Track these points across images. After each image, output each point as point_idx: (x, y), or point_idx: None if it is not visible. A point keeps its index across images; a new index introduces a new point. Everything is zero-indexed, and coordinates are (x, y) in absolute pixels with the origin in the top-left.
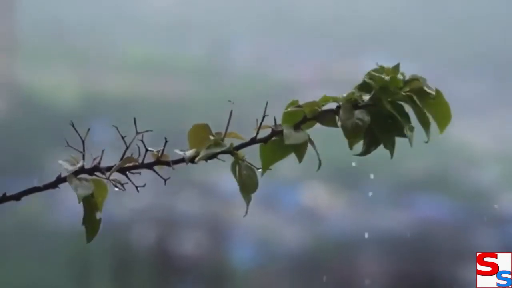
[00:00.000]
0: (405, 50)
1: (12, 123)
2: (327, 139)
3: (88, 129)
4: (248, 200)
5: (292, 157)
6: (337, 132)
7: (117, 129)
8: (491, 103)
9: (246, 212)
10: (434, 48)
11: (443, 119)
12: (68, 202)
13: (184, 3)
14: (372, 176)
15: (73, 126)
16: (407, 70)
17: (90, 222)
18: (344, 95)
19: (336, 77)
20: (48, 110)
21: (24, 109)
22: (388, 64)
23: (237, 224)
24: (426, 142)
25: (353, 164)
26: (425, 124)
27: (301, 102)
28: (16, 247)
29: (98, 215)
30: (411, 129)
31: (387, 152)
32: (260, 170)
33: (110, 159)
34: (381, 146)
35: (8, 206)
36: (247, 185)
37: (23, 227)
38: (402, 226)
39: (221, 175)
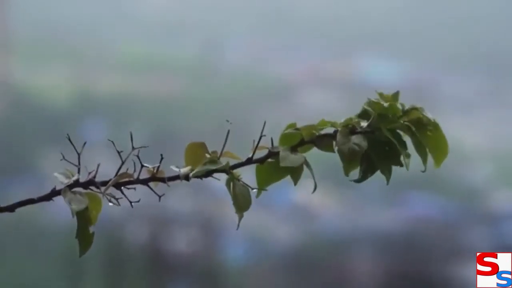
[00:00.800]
0: (400, 49)
1: (6, 122)
2: None
3: (84, 143)
4: (240, 216)
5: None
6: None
7: (113, 144)
8: (484, 102)
9: (238, 226)
10: (429, 48)
11: (440, 153)
12: (62, 201)
13: (179, 3)
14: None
15: (69, 139)
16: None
17: (84, 236)
18: (342, 120)
19: (332, 76)
20: (42, 109)
21: (18, 108)
22: (384, 63)
23: (230, 222)
24: (423, 171)
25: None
26: (422, 154)
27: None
28: (11, 246)
29: (92, 229)
30: (408, 156)
31: None
32: (254, 190)
33: (104, 159)
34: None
35: (3, 204)
36: (241, 204)
37: (18, 226)
38: (395, 224)
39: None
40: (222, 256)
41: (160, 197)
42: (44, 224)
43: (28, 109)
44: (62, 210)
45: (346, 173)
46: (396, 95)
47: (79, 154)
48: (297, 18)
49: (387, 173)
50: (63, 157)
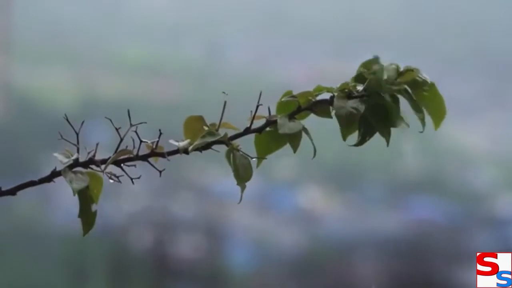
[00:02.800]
0: (402, 51)
1: (8, 125)
2: (323, 142)
3: (82, 122)
4: (242, 187)
5: (288, 160)
6: (333, 135)
7: (111, 121)
8: (487, 105)
9: (241, 199)
10: (432, 50)
11: (438, 113)
12: (65, 204)
13: (180, 5)
14: (368, 178)
15: (66, 119)
16: None
17: (86, 215)
18: (338, 85)
19: (332, 78)
20: (44, 112)
21: (20, 111)
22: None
23: (234, 226)
24: (421, 132)
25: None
26: (420, 115)
27: (295, 92)
28: (13, 249)
29: (94, 207)
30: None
31: (384, 153)
32: (254, 159)
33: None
34: (378, 143)
35: (5, 208)
36: (242, 174)
37: (20, 229)
38: (399, 228)
39: (217, 177)
40: (226, 260)
41: (160, 172)
42: (48, 228)
43: (31, 112)
44: (66, 215)
45: (344, 138)
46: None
47: (77, 133)
48: (300, 20)
49: (386, 135)
50: (61, 136)
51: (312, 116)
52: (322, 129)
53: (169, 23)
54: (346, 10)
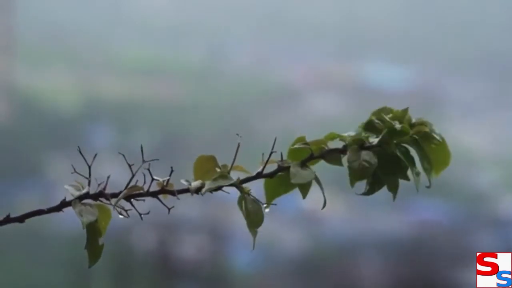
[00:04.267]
0: (403, 53)
1: (11, 125)
2: None
3: (95, 155)
4: (254, 234)
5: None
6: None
7: (124, 157)
8: (490, 106)
9: (254, 246)
10: (434, 52)
11: (441, 164)
12: (69, 208)
13: (181, 6)
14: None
15: (79, 151)
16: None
17: (93, 247)
18: (351, 134)
19: (337, 80)
20: (47, 113)
21: (23, 112)
22: (387, 67)
23: (237, 228)
24: (428, 187)
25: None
26: (427, 168)
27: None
28: (14, 250)
29: (101, 241)
30: (418, 174)
31: None
32: (265, 205)
33: (108, 163)
34: None
35: (9, 209)
36: (254, 220)
37: (21, 230)
38: (402, 229)
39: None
40: (229, 261)
41: (169, 209)
42: (52, 230)
43: (32, 113)
44: (69, 217)
45: (352, 185)
46: (405, 112)
47: (89, 166)
48: (301, 21)
49: (394, 189)
50: (74, 169)
51: (315, 118)
52: (324, 129)
53: (170, 24)
54: (347, 11)
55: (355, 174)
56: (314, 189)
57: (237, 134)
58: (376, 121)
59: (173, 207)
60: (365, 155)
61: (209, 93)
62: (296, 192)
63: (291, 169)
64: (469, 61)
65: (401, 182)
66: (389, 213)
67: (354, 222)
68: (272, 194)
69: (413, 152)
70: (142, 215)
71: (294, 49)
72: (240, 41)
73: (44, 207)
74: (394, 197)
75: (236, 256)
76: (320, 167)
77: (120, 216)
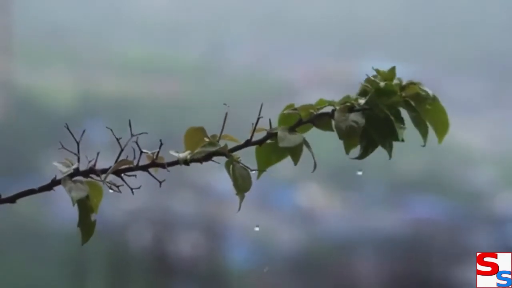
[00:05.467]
0: (403, 51)
1: (8, 124)
2: (322, 140)
3: (83, 131)
4: (241, 197)
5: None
6: (333, 134)
7: (112, 131)
8: (487, 104)
9: (239, 208)
10: (431, 50)
11: (441, 126)
12: (64, 203)
13: (181, 5)
14: (367, 176)
15: (67, 128)
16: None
17: (85, 225)
18: (340, 99)
19: (333, 78)
20: (44, 111)
21: (20, 110)
22: (386, 65)
23: (233, 225)
24: (423, 146)
25: (359, 173)
26: (422, 129)
27: (297, 105)
28: (12, 249)
29: (93, 217)
30: (401, 128)
31: (383, 152)
32: (254, 171)
33: (106, 161)
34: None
35: (4, 207)
36: (241, 184)
37: (19, 228)
38: (398, 227)
39: (216, 175)
40: (226, 258)
41: (160, 182)
42: (46, 227)
43: (31, 111)
44: (69, 215)
45: (347, 151)
46: (392, 71)
47: (78, 143)
48: (301, 20)
49: (388, 148)
50: (62, 145)
51: None
52: None
53: (169, 22)
54: (347, 10)
55: (342, 134)
56: (310, 186)
57: (225, 104)
58: (366, 84)
59: (164, 180)
60: (353, 116)
61: (208, 91)
62: (293, 189)
63: (279, 133)
64: (468, 60)
65: (399, 181)
66: (386, 211)
67: (351, 219)
68: (263, 163)
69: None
70: (133, 190)
71: (294, 48)
72: (239, 39)
73: (43, 205)
74: (390, 155)
75: (233, 254)
76: (318, 163)
77: (111, 191)
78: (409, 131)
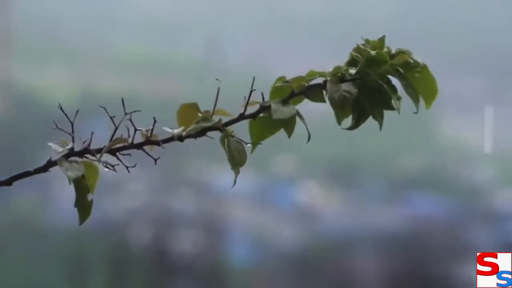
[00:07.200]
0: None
1: (7, 122)
2: (322, 138)
3: (77, 111)
4: (236, 172)
5: (287, 156)
6: (333, 132)
7: (105, 109)
8: (487, 101)
9: (234, 183)
10: (431, 49)
11: (430, 93)
12: (63, 201)
13: (180, 3)
14: (367, 174)
15: (61, 109)
16: None
17: (82, 204)
18: (331, 70)
19: None
20: (43, 109)
21: (20, 108)
22: None
23: (233, 223)
24: (416, 113)
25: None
26: (413, 96)
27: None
28: (12, 248)
29: (90, 196)
30: (398, 98)
31: (383, 150)
32: (249, 145)
33: (108, 158)
34: (377, 139)
35: (4, 208)
36: (236, 158)
37: (18, 227)
38: (398, 223)
39: (216, 173)
40: (225, 256)
41: (155, 160)
42: (46, 226)
43: (30, 109)
44: (68, 214)
45: (339, 122)
46: (382, 40)
47: (72, 123)
48: (300, 18)
49: (379, 118)
50: (56, 126)
51: (312, 114)
52: (321, 125)
53: (168, 20)
54: (346, 9)
55: (336, 105)
56: (310, 183)
57: (217, 79)
58: (355, 54)
59: (159, 158)
60: (345, 86)
61: (207, 89)
62: (291, 186)
63: (272, 106)
64: (468, 59)
65: (398, 178)
66: (385, 208)
67: (351, 217)
68: (257, 136)
69: (397, 84)
70: (128, 168)
71: (292, 47)
72: (238, 37)
73: (44, 202)
74: (380, 125)
75: (232, 251)
76: (318, 161)
77: (106, 170)
78: (410, 128)
